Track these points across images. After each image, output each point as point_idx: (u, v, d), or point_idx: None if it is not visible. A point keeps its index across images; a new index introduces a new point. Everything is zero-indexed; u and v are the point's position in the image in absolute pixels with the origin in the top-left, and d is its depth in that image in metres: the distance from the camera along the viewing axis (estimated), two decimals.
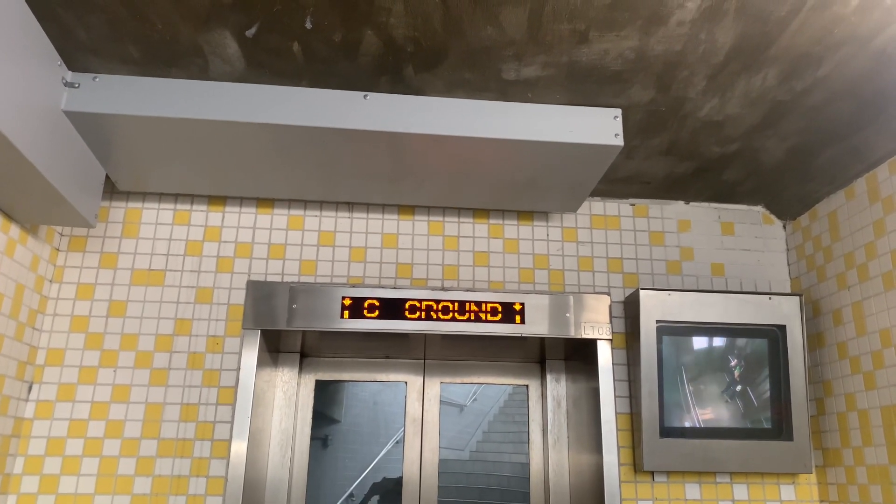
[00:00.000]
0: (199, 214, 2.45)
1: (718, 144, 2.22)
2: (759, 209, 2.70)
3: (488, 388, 2.64)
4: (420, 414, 2.53)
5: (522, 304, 2.33)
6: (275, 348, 2.47)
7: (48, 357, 2.25)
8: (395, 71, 1.87)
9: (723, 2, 1.58)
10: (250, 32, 1.72)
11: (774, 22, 1.64)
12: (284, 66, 1.86)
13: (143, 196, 2.44)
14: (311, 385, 2.54)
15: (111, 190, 2.42)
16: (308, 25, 1.69)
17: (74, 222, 2.07)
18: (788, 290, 2.62)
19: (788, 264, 2.65)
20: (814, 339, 2.48)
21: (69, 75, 1.88)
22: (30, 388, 2.22)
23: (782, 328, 2.40)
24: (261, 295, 2.28)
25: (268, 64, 1.85)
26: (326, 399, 2.58)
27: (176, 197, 2.46)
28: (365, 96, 1.96)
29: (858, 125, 2.05)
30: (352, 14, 1.64)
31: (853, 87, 1.87)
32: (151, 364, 2.29)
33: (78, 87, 1.87)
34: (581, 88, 1.94)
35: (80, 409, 2.22)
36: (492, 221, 2.58)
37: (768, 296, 2.42)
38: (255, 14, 1.65)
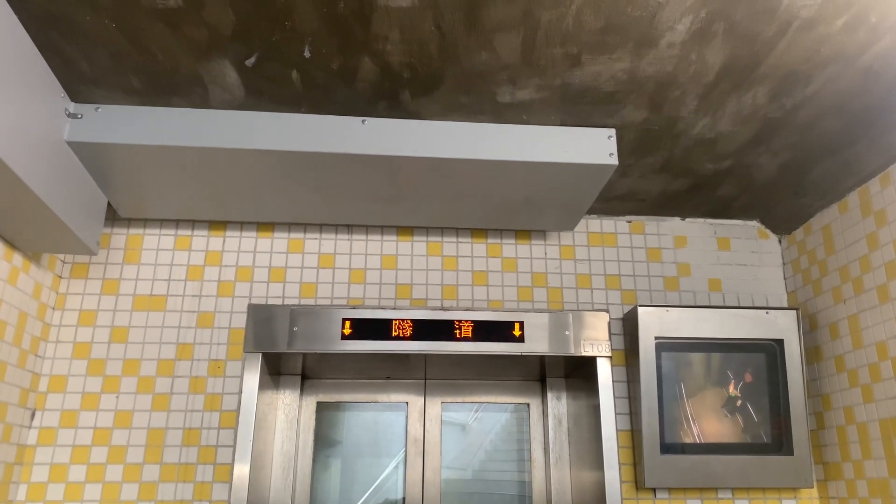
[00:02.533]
0: (200, 239, 2.47)
1: (712, 161, 2.26)
2: (755, 224, 2.73)
3: (490, 406, 2.65)
4: (422, 434, 2.54)
5: (522, 323, 2.34)
6: (276, 371, 2.48)
7: (51, 384, 2.27)
8: (393, 96, 1.90)
9: (711, 24, 1.62)
10: (250, 62, 1.75)
11: (762, 42, 1.68)
12: (283, 94, 1.89)
13: (145, 222, 2.47)
14: (313, 407, 2.54)
15: (113, 217, 2.44)
16: (306, 54, 1.72)
17: (77, 250, 2.10)
18: (785, 304, 2.64)
19: (784, 278, 2.67)
20: (811, 353, 2.50)
21: (72, 106, 1.91)
22: (32, 415, 2.22)
23: (780, 342, 2.42)
24: (261, 318, 2.30)
25: (267, 91, 1.88)
26: (328, 420, 2.58)
27: (177, 223, 2.48)
28: (363, 121, 1.99)
29: (849, 140, 2.08)
30: (349, 42, 1.68)
31: (842, 103, 1.91)
32: (153, 389, 2.30)
33: (80, 117, 1.90)
34: (575, 110, 1.98)
35: (82, 436, 2.23)
36: (490, 241, 2.60)
37: (765, 310, 2.44)
38: (255, 44, 1.69)
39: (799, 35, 1.65)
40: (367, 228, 2.56)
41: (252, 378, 2.23)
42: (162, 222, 2.48)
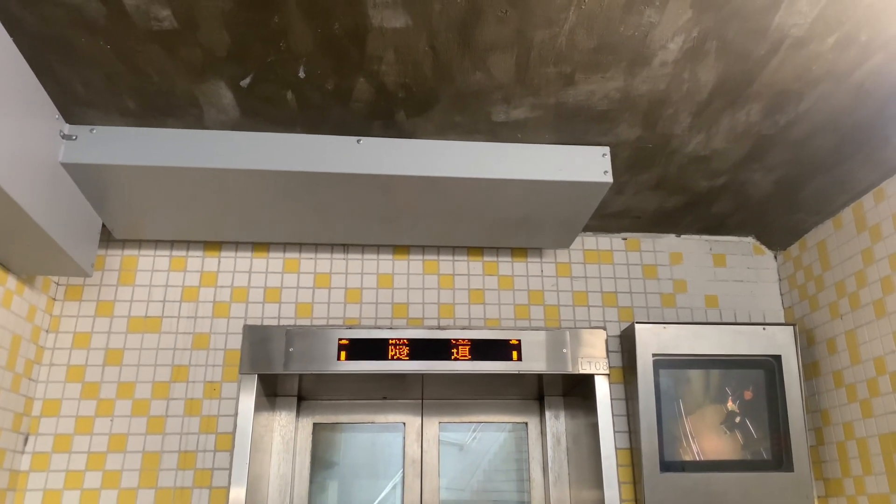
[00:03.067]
0: (196, 260, 2.46)
1: (706, 178, 2.26)
2: (750, 240, 2.73)
3: (488, 426, 2.63)
4: (419, 455, 2.52)
5: (519, 341, 2.33)
6: (272, 392, 2.46)
7: (44, 408, 2.24)
8: (388, 116, 1.91)
9: (703, 42, 1.63)
10: (245, 83, 1.76)
11: (755, 60, 1.69)
12: (279, 114, 1.90)
13: (140, 243, 2.46)
14: (309, 428, 2.52)
15: (107, 238, 2.43)
16: (301, 74, 1.73)
17: (71, 272, 2.09)
18: (782, 320, 2.63)
19: (781, 294, 2.67)
20: (809, 369, 2.49)
21: (66, 128, 1.91)
22: (26, 440, 2.20)
23: (777, 358, 2.41)
24: (257, 339, 2.28)
25: (262, 112, 1.89)
26: (325, 442, 2.56)
27: (172, 243, 2.47)
28: (358, 141, 1.99)
29: (842, 157, 2.09)
30: (344, 63, 1.69)
31: (835, 120, 1.92)
32: (148, 412, 2.27)
33: (75, 139, 1.90)
34: (569, 128, 1.98)
35: (76, 460, 2.20)
36: (486, 259, 2.60)
37: (762, 326, 2.44)
38: (250, 65, 1.70)
39: (790, 53, 1.66)
40: (363, 247, 2.55)
41: (248, 400, 2.21)
42: (157, 243, 2.47)
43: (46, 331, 2.31)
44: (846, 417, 2.29)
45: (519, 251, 2.62)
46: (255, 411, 2.21)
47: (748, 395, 2.40)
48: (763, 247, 2.73)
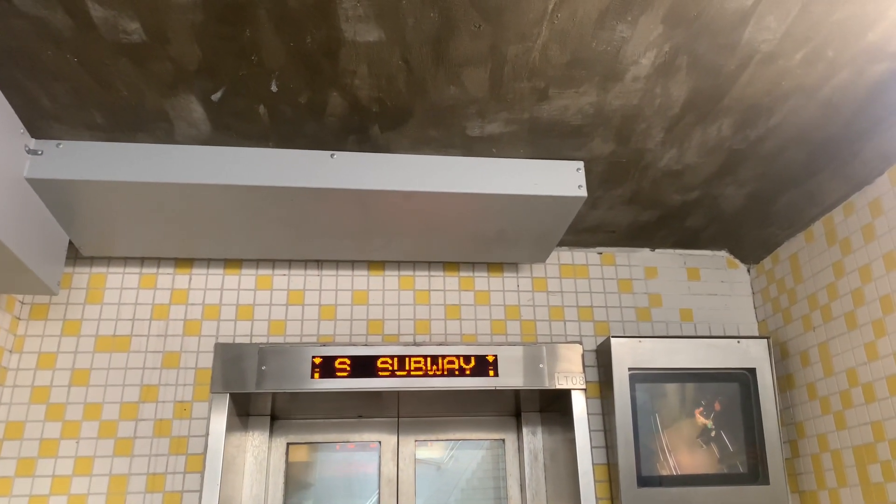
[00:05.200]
0: (166, 277, 2.42)
1: (679, 193, 2.28)
2: (723, 254, 2.76)
3: (465, 443, 2.60)
4: (395, 474, 2.48)
5: (495, 357, 2.32)
6: (244, 412, 2.41)
7: (7, 431, 2.17)
8: (362, 130, 1.90)
9: (675, 58, 1.65)
10: (216, 97, 1.74)
11: (725, 75, 1.71)
12: (251, 129, 1.87)
13: (108, 261, 2.41)
14: (283, 448, 2.47)
15: (74, 255, 2.38)
16: (274, 88, 1.71)
17: (37, 290, 2.03)
18: (756, 333, 2.65)
19: (755, 307, 2.69)
20: (784, 381, 2.51)
21: (32, 143, 1.87)
22: None
23: (752, 371, 2.42)
24: (229, 357, 2.24)
25: (234, 126, 1.86)
26: (299, 462, 2.51)
27: (142, 260, 2.43)
28: (332, 155, 1.97)
29: (812, 171, 2.12)
30: (317, 77, 1.67)
31: (804, 134, 1.95)
32: (116, 434, 2.21)
33: (41, 154, 1.86)
34: (543, 143, 1.99)
35: (40, 485, 2.13)
36: (462, 274, 2.59)
37: (737, 339, 2.45)
38: (221, 79, 1.67)
39: (760, 69, 1.69)
40: (337, 263, 2.53)
41: (219, 419, 2.16)
42: (126, 260, 2.42)
43: (10, 351, 2.25)
44: (820, 429, 2.31)
45: (495, 266, 2.62)
46: (226, 431, 2.16)
47: (723, 408, 2.40)
48: (736, 260, 2.76)
